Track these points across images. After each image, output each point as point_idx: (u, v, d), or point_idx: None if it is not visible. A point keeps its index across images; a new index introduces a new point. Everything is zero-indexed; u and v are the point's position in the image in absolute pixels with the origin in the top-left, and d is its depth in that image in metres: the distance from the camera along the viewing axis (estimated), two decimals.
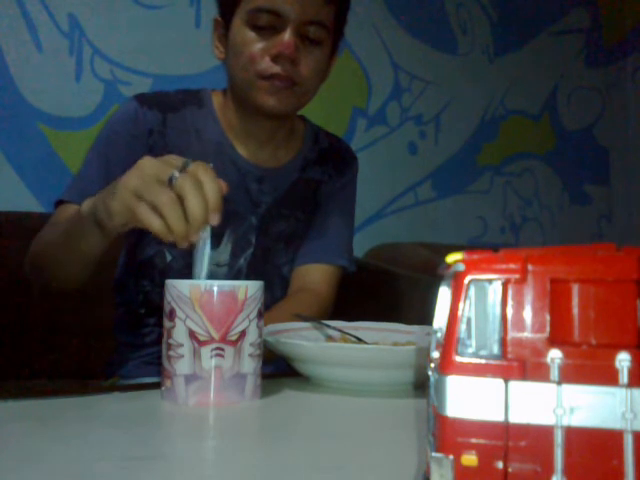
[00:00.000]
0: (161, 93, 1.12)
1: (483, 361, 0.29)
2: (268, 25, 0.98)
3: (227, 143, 1.09)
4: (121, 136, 1.04)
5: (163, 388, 0.67)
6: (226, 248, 1.07)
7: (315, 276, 1.14)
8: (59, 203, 1.04)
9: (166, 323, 0.66)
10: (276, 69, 0.98)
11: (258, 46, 0.98)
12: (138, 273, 1.09)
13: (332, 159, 1.20)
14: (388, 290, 1.57)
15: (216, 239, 1.06)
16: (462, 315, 0.30)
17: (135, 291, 1.10)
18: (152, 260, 1.06)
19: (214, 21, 1.09)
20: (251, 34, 0.99)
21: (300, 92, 1.03)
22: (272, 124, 1.09)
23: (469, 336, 0.30)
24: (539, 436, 0.28)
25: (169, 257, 1.05)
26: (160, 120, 1.06)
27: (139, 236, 1.06)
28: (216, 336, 0.64)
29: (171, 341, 0.65)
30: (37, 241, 1.01)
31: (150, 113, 1.05)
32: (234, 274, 1.07)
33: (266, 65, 0.98)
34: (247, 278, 1.07)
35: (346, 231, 1.22)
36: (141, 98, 1.08)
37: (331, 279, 1.16)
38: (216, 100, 1.12)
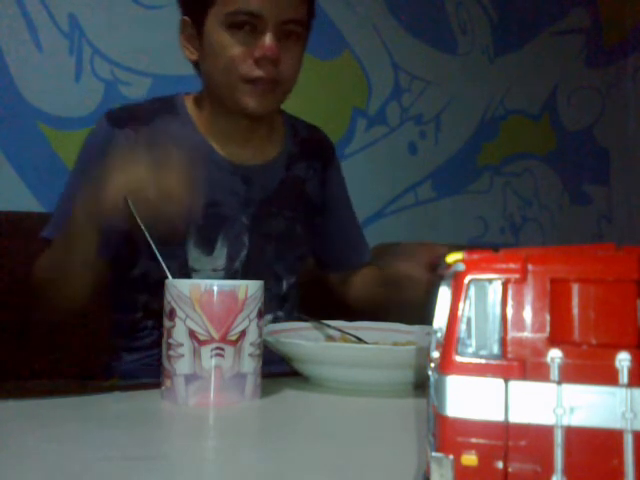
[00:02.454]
0: (133, 106, 1.11)
1: (483, 361, 0.29)
2: (247, 27, 0.97)
3: (207, 147, 1.08)
4: (94, 166, 1.02)
5: (163, 388, 0.67)
6: (221, 252, 1.06)
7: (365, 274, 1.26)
8: (45, 241, 1.03)
9: (166, 323, 0.66)
10: (259, 73, 0.98)
11: (239, 49, 0.98)
12: (132, 286, 1.08)
13: (313, 151, 1.20)
14: None
15: (209, 244, 1.06)
16: (462, 315, 0.30)
17: (132, 302, 1.09)
18: (148, 274, 1.05)
19: (181, 21, 1.06)
20: (230, 37, 0.98)
21: (282, 91, 1.03)
22: (252, 123, 1.08)
23: (469, 336, 0.30)
24: (539, 436, 0.28)
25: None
26: (132, 137, 1.04)
27: (129, 253, 1.05)
28: (216, 336, 0.64)
29: (171, 341, 0.65)
30: (40, 269, 1.02)
31: (121, 133, 1.03)
32: (230, 277, 1.07)
33: (249, 68, 0.98)
34: (243, 279, 1.06)
35: (358, 223, 1.31)
36: (111, 117, 1.06)
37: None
38: (190, 104, 1.10)
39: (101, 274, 1.00)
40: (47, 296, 1.02)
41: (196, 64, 1.08)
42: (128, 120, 1.05)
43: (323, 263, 1.27)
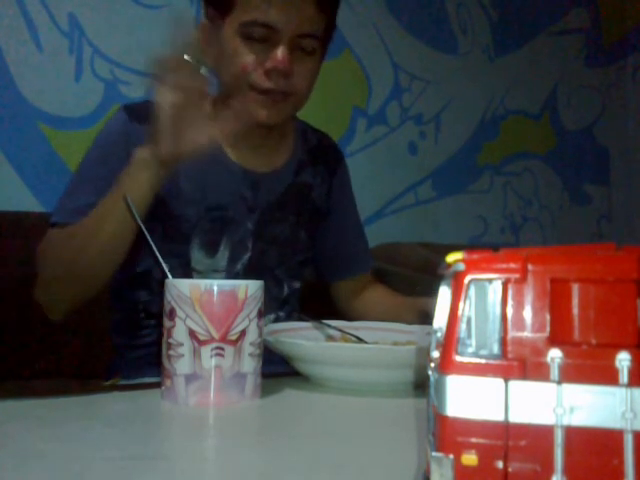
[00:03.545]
0: (149, 103, 1.10)
1: (483, 361, 0.29)
2: (262, 37, 0.97)
3: (219, 149, 1.08)
4: (114, 156, 1.02)
5: (163, 388, 0.67)
6: (223, 255, 1.06)
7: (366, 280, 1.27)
8: (52, 225, 1.01)
9: (166, 322, 0.66)
10: (269, 84, 0.98)
11: (251, 58, 0.98)
12: (135, 284, 1.08)
13: (321, 158, 1.20)
14: None
15: (213, 247, 1.06)
16: (462, 315, 0.30)
17: (133, 300, 1.09)
18: (150, 272, 1.05)
19: (201, 25, 1.06)
20: (243, 45, 0.98)
21: (294, 101, 1.03)
22: (265, 130, 1.08)
23: (469, 336, 0.30)
24: (539, 436, 0.28)
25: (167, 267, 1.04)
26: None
27: (133, 250, 1.05)
28: (216, 335, 0.64)
29: (171, 340, 0.65)
30: (50, 254, 0.98)
31: (140, 128, 1.02)
32: (232, 279, 1.07)
33: (259, 79, 0.98)
34: None
35: (362, 232, 1.30)
36: (130, 111, 1.05)
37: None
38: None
39: (124, 257, 0.97)
40: (63, 281, 0.98)
41: (213, 68, 1.07)
42: (146, 116, 1.05)
43: (320, 270, 1.27)
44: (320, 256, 1.23)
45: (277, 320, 1.09)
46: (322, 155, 1.21)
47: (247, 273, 1.08)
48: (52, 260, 0.98)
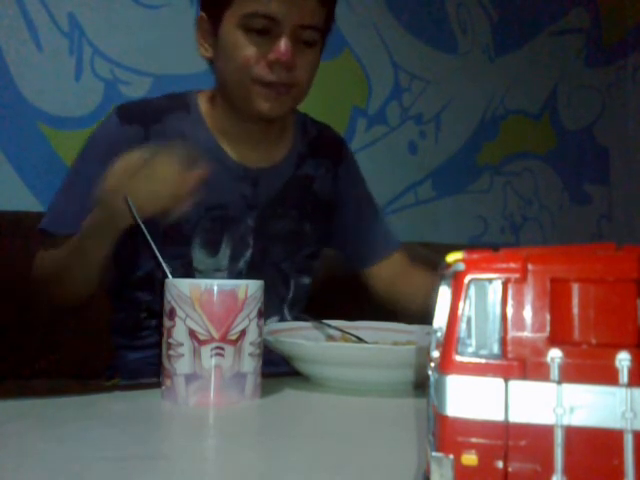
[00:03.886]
0: (145, 102, 1.10)
1: (483, 360, 0.29)
2: (263, 29, 0.97)
3: (218, 149, 1.07)
4: (103, 160, 1.02)
5: (163, 388, 0.67)
6: (225, 253, 1.06)
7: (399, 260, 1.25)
8: (41, 231, 1.04)
9: (166, 322, 0.66)
10: (272, 77, 0.97)
11: (252, 50, 0.97)
12: (136, 286, 1.08)
13: (322, 149, 1.19)
14: None
15: (214, 246, 1.06)
16: (462, 314, 0.30)
17: (134, 301, 1.09)
18: (152, 273, 1.05)
19: (198, 18, 1.06)
20: (245, 38, 0.97)
21: (296, 94, 1.03)
22: (264, 125, 1.08)
23: (469, 335, 0.30)
24: (539, 435, 0.28)
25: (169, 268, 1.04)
26: (142, 134, 1.03)
27: (132, 254, 1.06)
28: (216, 335, 0.64)
29: (171, 340, 0.65)
30: (43, 264, 1.04)
31: (130, 129, 1.03)
32: (234, 277, 1.07)
33: (262, 71, 0.98)
34: (247, 279, 1.06)
35: (379, 214, 1.29)
36: (122, 112, 1.05)
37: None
38: (202, 102, 1.10)
39: (106, 271, 1.01)
40: (50, 291, 1.04)
41: (211, 62, 1.07)
42: (138, 116, 1.04)
43: (351, 261, 1.26)
44: (346, 246, 1.23)
45: (282, 320, 1.09)
46: (323, 146, 1.20)
47: (250, 270, 1.08)
48: (42, 277, 1.04)
